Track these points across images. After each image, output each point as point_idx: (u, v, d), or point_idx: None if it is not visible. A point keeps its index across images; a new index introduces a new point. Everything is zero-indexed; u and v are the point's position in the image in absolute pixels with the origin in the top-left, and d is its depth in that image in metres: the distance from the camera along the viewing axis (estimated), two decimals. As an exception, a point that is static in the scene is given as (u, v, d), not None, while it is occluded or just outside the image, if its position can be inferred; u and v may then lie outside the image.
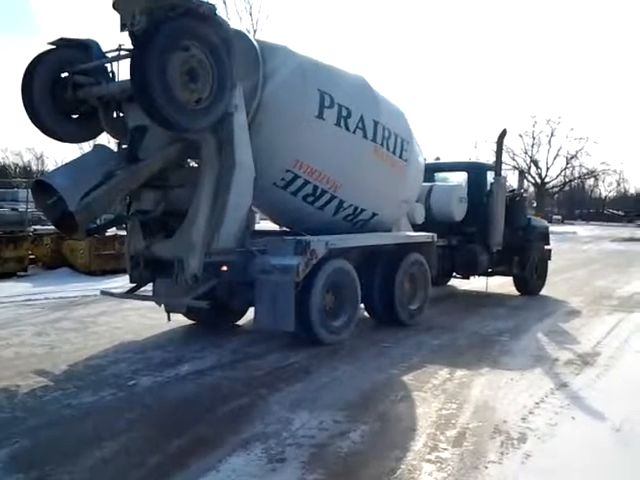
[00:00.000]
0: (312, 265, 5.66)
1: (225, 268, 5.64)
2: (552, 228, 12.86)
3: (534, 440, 3.65)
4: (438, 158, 11.81)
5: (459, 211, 9.45)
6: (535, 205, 42.77)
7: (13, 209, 19.57)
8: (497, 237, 9.50)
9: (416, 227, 8.56)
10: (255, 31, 20.21)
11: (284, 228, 7.28)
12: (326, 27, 52.68)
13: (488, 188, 9.67)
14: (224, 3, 20.07)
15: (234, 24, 21.23)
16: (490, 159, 40.14)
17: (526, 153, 44.30)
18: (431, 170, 10.49)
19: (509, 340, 6.61)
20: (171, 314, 6.17)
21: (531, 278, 10.25)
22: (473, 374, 5.14)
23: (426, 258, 7.51)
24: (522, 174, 11.83)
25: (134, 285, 6.24)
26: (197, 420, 3.97)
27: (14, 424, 3.84)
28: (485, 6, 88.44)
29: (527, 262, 10.07)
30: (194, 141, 5.49)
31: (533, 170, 44.36)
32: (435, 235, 7.70)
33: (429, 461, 3.35)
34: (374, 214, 7.05)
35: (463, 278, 10.24)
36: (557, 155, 44.39)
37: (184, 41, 4.93)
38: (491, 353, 5.98)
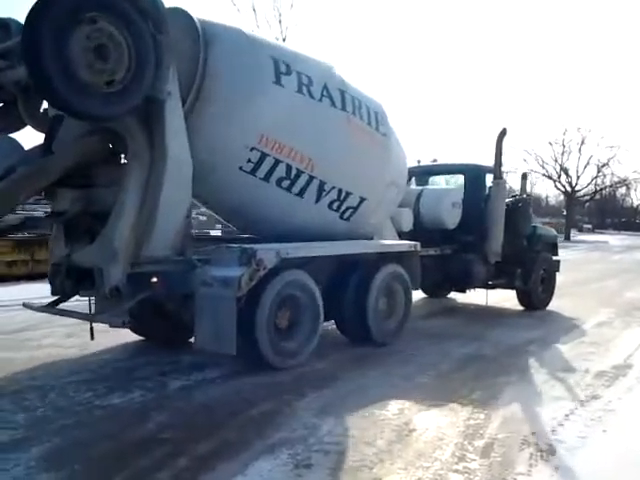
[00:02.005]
0: (259, 277, 5.10)
1: (155, 280, 5.00)
2: (583, 237, 12.40)
3: (564, 453, 3.74)
4: (435, 160, 11.19)
5: (452, 218, 8.89)
6: (565, 214, 42.03)
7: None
8: (495, 246, 8.91)
9: (406, 236, 8.22)
10: (284, 39, 20.32)
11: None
12: (351, 35, 52.35)
13: (487, 192, 9.21)
14: (254, 11, 20.20)
15: (263, 32, 21.47)
16: (518, 166, 39.54)
17: (556, 161, 43.65)
18: (424, 173, 10.40)
19: (537, 350, 6.78)
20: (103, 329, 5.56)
21: (536, 292, 9.66)
22: (501, 384, 5.29)
23: (407, 270, 6.91)
24: (525, 177, 10.74)
25: (57, 297, 5.53)
26: (224, 424, 4.16)
27: (46, 423, 4.08)
28: (516, 12, 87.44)
29: (531, 274, 9.47)
30: (118, 132, 4.91)
31: (563, 178, 43.78)
32: (418, 244, 7.13)
33: (457, 471, 3.47)
34: (362, 199, 6.47)
35: (458, 291, 9.85)
36: (588, 163, 43.76)
37: (88, 12, 4.27)
38: (519, 363, 6.15)
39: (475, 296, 9.82)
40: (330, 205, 6.24)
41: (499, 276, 9.21)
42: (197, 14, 5.35)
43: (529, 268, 9.42)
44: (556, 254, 10.39)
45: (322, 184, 6.01)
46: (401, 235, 8.03)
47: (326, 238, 6.13)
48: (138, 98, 4.62)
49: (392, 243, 7.19)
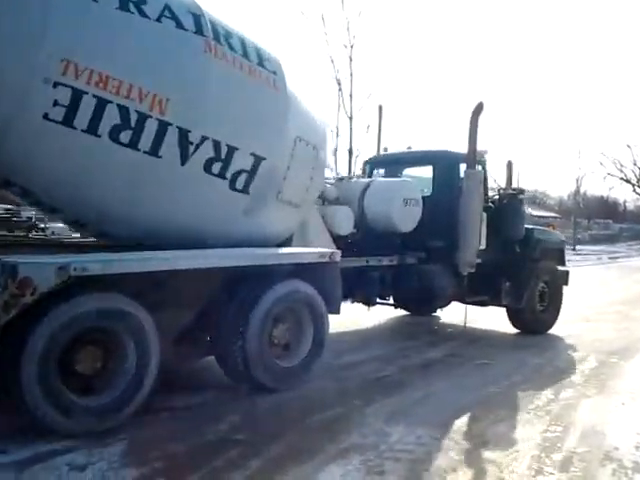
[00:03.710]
0: (23, 305, 3.65)
1: None
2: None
3: (651, 471, 3.51)
4: (410, 147, 9.19)
5: (404, 218, 7.22)
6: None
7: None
8: (468, 255, 7.32)
9: (344, 241, 6.81)
10: (352, 46, 20.43)
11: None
12: (420, 39, 52.01)
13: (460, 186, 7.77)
14: (322, 19, 20.42)
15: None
16: (595, 169, 37.87)
17: (635, 164, 41.62)
18: (383, 164, 8.75)
19: (618, 361, 6.82)
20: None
21: (532, 311, 8.11)
22: (579, 396, 5.42)
23: (319, 288, 5.39)
24: (510, 166, 8.62)
25: None
26: (294, 427, 4.39)
27: (125, 420, 4.27)
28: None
29: (524, 289, 7.92)
30: None
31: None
32: (336, 252, 5.61)
33: (535, 485, 3.36)
34: (257, 157, 4.92)
35: (421, 313, 8.79)
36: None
37: None
38: (598, 375, 6.22)
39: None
40: (208, 167, 4.67)
41: (478, 291, 7.67)
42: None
43: (522, 281, 7.93)
44: (562, 263, 8.82)
45: (184, 133, 4.47)
46: (337, 240, 6.66)
47: (222, 237, 4.95)
48: None
49: (289, 252, 5.53)
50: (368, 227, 7.21)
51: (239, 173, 4.87)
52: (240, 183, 4.90)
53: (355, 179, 7.93)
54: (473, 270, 7.32)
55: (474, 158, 7.33)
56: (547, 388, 5.53)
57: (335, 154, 22.43)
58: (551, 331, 8.39)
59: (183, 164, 4.51)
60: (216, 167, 4.70)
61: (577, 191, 43.72)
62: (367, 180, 7.75)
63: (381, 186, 7.47)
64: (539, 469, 3.74)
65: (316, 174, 5.73)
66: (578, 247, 34.25)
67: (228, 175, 4.79)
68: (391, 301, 7.78)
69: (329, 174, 8.51)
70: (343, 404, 4.88)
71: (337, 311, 5.64)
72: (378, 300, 7.40)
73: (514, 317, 8.18)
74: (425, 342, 7.58)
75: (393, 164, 8.55)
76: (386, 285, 7.04)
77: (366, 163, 8.94)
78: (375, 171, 8.65)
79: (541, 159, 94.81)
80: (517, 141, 78.46)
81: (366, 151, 23.00)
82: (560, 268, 8.66)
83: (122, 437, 4.02)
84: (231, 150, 4.73)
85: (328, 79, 22.86)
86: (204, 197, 4.77)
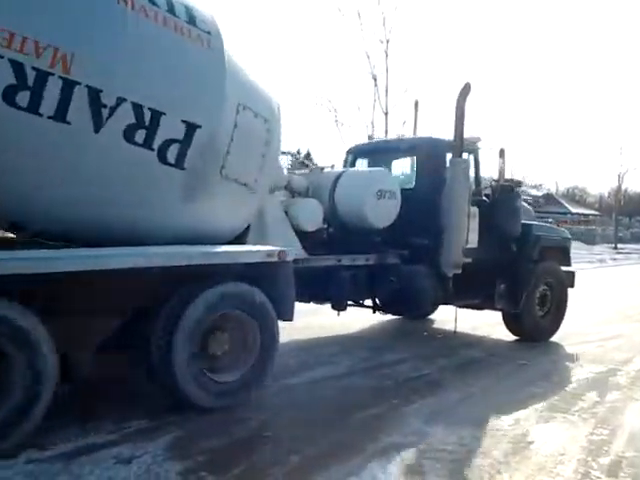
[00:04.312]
0: None
1: None
2: None
3: None
4: (370, 136, 8.98)
5: (378, 212, 6.58)
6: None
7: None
8: (452, 254, 6.72)
9: (315, 237, 6.31)
10: (388, 41, 20.34)
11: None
12: (457, 32, 51.43)
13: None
14: (358, 15, 20.40)
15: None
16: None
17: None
18: (366, 153, 8.09)
19: None
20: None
21: (530, 316, 7.50)
22: (625, 399, 5.35)
23: (268, 292, 4.88)
24: (502, 154, 7.69)
25: None
26: (335, 424, 4.49)
27: (167, 415, 4.48)
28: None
29: (521, 292, 7.30)
30: None
31: None
32: (289, 251, 5.04)
33: (582, 489, 3.49)
34: (190, 125, 4.32)
35: (410, 317, 8.22)
36: None
37: None
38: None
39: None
40: (129, 134, 4.08)
41: (469, 294, 7.11)
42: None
43: (519, 283, 7.33)
44: (567, 263, 8.15)
45: (95, 94, 3.88)
46: (302, 236, 6.13)
47: (157, 227, 4.45)
48: None
49: (224, 250, 4.81)
50: (340, 222, 6.68)
51: (169, 143, 4.27)
52: (172, 155, 4.30)
53: (329, 169, 7.22)
54: (459, 271, 6.75)
55: (460, 145, 6.68)
56: (592, 390, 5.49)
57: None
58: (592, 329, 8.38)
59: (97, 131, 3.93)
60: (139, 135, 4.11)
61: (618, 188, 42.79)
62: (339, 170, 7.19)
63: (353, 177, 6.91)
64: (586, 473, 3.72)
65: (270, 152, 5.12)
66: (619, 245, 33.42)
67: (155, 145, 4.20)
68: (369, 304, 7.11)
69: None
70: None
71: (290, 317, 5.13)
72: (354, 303, 6.94)
73: (510, 323, 7.61)
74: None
75: (376, 154, 8.01)
76: (359, 287, 6.42)
77: (348, 153, 8.18)
78: (358, 162, 8.02)
79: (580, 155, 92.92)
80: (557, 136, 77.07)
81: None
82: (564, 269, 8.05)
83: (168, 431, 4.19)
84: (156, 115, 4.14)
85: (364, 75, 22.80)
86: (128, 171, 4.14)
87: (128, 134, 4.06)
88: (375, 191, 6.53)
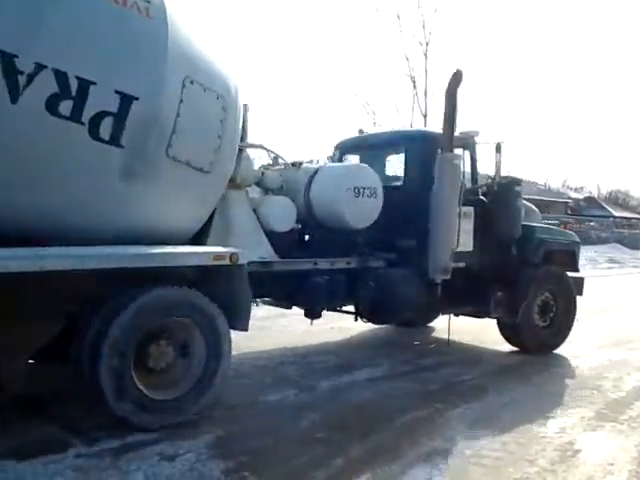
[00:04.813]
0: None
1: None
2: None
3: None
4: (361, 130, 8.00)
5: (356, 212, 6.09)
6: None
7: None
8: (439, 258, 6.24)
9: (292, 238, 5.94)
10: (427, 43, 20.38)
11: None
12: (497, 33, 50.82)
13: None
14: (398, 17, 20.51)
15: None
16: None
17: None
18: (354, 149, 7.56)
19: None
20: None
21: (530, 326, 6.93)
22: None
23: (218, 297, 4.50)
24: (499, 149, 6.98)
25: None
26: (377, 428, 4.52)
27: (210, 414, 4.56)
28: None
29: (520, 300, 6.80)
30: None
31: None
32: (237, 253, 4.55)
33: (634, 501, 3.37)
34: (126, 96, 3.93)
35: (407, 325, 7.70)
36: None
37: None
38: None
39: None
40: (53, 105, 3.69)
41: (461, 301, 6.64)
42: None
43: (519, 290, 6.83)
44: (575, 269, 7.60)
45: (9, 59, 3.55)
46: (274, 237, 5.70)
47: (94, 221, 4.08)
48: None
49: (160, 251, 4.27)
50: (317, 222, 6.22)
51: (101, 116, 3.88)
52: (105, 130, 3.91)
53: (307, 165, 6.73)
54: (447, 276, 6.29)
55: (451, 139, 6.17)
56: (641, 398, 5.63)
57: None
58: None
59: (15, 101, 3.57)
60: (65, 107, 3.72)
61: (664, 191, 41.33)
62: (315, 166, 6.73)
63: (329, 173, 6.37)
64: (637, 484, 3.65)
65: (227, 131, 4.67)
66: (665, 251, 32.41)
67: (85, 118, 3.81)
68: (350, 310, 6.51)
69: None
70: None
71: (244, 327, 4.73)
72: (337, 309, 6.42)
73: (506, 332, 7.08)
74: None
75: (366, 149, 7.47)
76: (336, 292, 5.89)
77: (336, 148, 7.64)
78: (346, 158, 7.55)
79: (624, 157, 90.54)
80: (600, 139, 75.18)
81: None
82: (572, 275, 7.52)
83: (210, 430, 4.31)
84: (84, 84, 3.76)
85: (402, 77, 22.81)
86: (52, 147, 3.74)
87: (51, 105, 3.68)
88: (351, 188, 6.05)
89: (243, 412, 4.74)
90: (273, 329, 7.66)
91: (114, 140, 3.94)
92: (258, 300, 5.80)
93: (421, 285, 6.26)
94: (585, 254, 23.69)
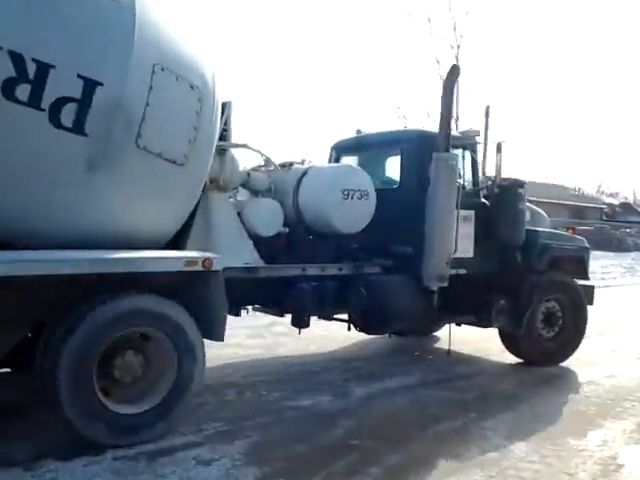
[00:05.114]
0: None
1: None
2: None
3: None
4: (359, 131, 7.66)
5: (344, 215, 5.80)
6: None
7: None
8: (435, 264, 5.91)
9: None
10: (459, 46, 20.26)
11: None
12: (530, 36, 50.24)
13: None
14: (429, 20, 20.43)
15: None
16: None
17: None
18: (351, 149, 7.23)
19: None
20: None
21: (531, 337, 6.63)
22: None
23: (190, 305, 4.31)
24: (500, 148, 6.59)
25: None
26: (412, 436, 4.53)
27: (245, 419, 4.70)
28: None
29: (524, 309, 6.51)
30: None
31: None
32: (211, 259, 4.34)
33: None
34: (90, 82, 3.71)
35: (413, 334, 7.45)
36: None
37: None
38: None
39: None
40: (9, 90, 3.52)
41: (460, 310, 6.38)
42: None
43: (522, 298, 6.55)
44: (584, 276, 7.30)
45: None
46: (258, 242, 5.47)
47: (60, 220, 3.86)
48: None
49: (125, 256, 4.02)
50: (306, 226, 5.96)
51: (63, 102, 3.69)
52: (68, 117, 3.70)
53: (298, 166, 6.42)
54: (444, 284, 5.99)
55: (447, 138, 5.85)
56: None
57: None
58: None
59: None
60: (22, 91, 3.54)
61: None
62: (304, 167, 6.41)
63: (317, 174, 6.09)
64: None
65: (204, 123, 4.43)
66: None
67: (45, 104, 3.63)
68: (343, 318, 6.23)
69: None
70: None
71: (220, 337, 4.53)
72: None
73: (508, 342, 6.81)
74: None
75: (362, 150, 7.17)
76: (325, 300, 5.61)
77: (332, 149, 7.31)
78: (344, 160, 7.24)
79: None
80: (634, 143, 73.50)
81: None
82: (582, 283, 7.20)
83: (245, 435, 4.39)
84: (43, 68, 3.59)
85: (433, 80, 22.68)
86: (12, 135, 3.55)
87: (7, 89, 3.51)
88: (340, 190, 5.76)
89: (278, 417, 4.80)
90: (316, 333, 7.26)
91: (77, 128, 3.73)
92: (249, 307, 5.61)
93: (416, 293, 5.97)
94: (622, 261, 23.31)
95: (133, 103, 3.93)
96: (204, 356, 4.38)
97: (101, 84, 3.77)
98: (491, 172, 6.48)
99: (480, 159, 6.54)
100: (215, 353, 6.59)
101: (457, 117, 22.13)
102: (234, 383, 5.67)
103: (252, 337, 7.62)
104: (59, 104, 3.67)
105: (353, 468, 3.89)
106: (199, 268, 4.25)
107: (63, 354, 3.78)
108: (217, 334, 4.48)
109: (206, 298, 4.41)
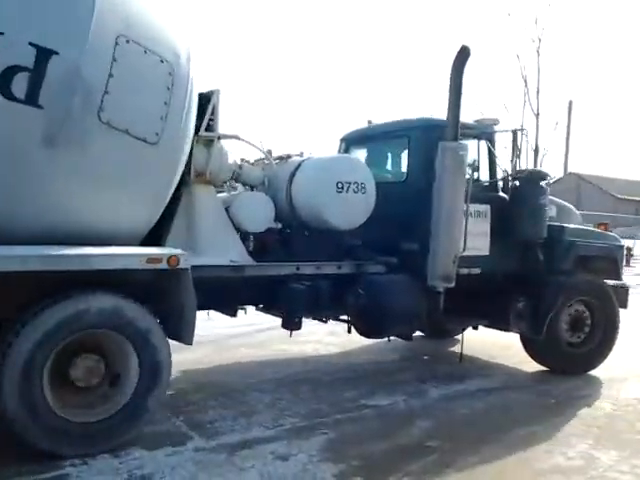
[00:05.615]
0: None
1: None
2: None
3: None
4: (370, 122, 7.05)
5: (339, 209, 5.48)
6: None
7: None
8: (440, 263, 5.49)
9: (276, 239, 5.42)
10: (540, 40, 19.68)
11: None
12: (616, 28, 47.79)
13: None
14: (509, 14, 19.91)
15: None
16: None
17: None
18: (361, 141, 6.84)
19: None
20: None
21: (554, 343, 6.11)
22: None
23: (155, 306, 4.09)
24: (516, 135, 5.91)
25: None
26: (491, 440, 4.43)
27: (320, 415, 4.77)
28: None
29: (546, 312, 6.01)
30: None
31: None
32: (178, 255, 3.97)
33: None
34: (43, 50, 3.45)
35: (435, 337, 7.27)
36: None
37: None
38: None
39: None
40: None
41: (473, 312, 6.00)
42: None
43: (544, 300, 6.06)
44: (617, 277, 6.77)
45: None
46: (249, 238, 5.30)
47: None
48: None
49: (76, 252, 3.72)
50: (301, 221, 5.69)
51: (14, 71, 3.48)
52: (19, 88, 3.49)
53: (296, 157, 6.09)
54: (450, 284, 5.54)
55: (455, 126, 5.42)
56: None
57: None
58: None
59: None
60: None
61: None
62: (299, 159, 6.07)
63: (311, 165, 5.80)
64: None
65: (177, 99, 4.16)
66: None
67: None
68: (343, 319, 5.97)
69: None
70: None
71: (189, 340, 4.24)
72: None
73: (531, 349, 6.35)
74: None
75: (372, 141, 6.85)
76: (319, 301, 5.25)
77: (341, 141, 6.99)
78: (353, 153, 6.88)
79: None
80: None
81: (553, 149, 21.72)
82: (614, 284, 6.66)
83: (322, 432, 4.48)
84: None
85: (513, 76, 22.07)
86: None
87: None
88: (334, 183, 5.43)
89: (354, 415, 4.84)
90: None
91: (31, 99, 3.52)
92: (246, 307, 5.35)
93: (419, 294, 5.57)
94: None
95: (93, 74, 3.71)
96: (169, 360, 4.02)
97: (56, 53, 3.57)
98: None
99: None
100: (297, 349, 7.07)
101: (537, 113, 21.42)
102: (311, 379, 5.65)
103: (331, 334, 7.35)
104: (10, 74, 3.47)
105: (429, 469, 3.78)
106: (163, 266, 3.93)
107: (10, 354, 3.51)
108: (185, 337, 4.20)
109: (173, 299, 4.14)
